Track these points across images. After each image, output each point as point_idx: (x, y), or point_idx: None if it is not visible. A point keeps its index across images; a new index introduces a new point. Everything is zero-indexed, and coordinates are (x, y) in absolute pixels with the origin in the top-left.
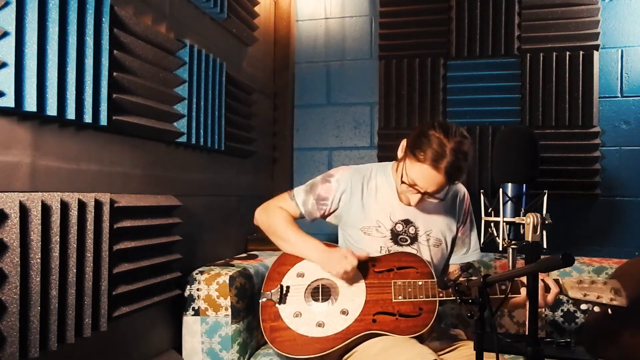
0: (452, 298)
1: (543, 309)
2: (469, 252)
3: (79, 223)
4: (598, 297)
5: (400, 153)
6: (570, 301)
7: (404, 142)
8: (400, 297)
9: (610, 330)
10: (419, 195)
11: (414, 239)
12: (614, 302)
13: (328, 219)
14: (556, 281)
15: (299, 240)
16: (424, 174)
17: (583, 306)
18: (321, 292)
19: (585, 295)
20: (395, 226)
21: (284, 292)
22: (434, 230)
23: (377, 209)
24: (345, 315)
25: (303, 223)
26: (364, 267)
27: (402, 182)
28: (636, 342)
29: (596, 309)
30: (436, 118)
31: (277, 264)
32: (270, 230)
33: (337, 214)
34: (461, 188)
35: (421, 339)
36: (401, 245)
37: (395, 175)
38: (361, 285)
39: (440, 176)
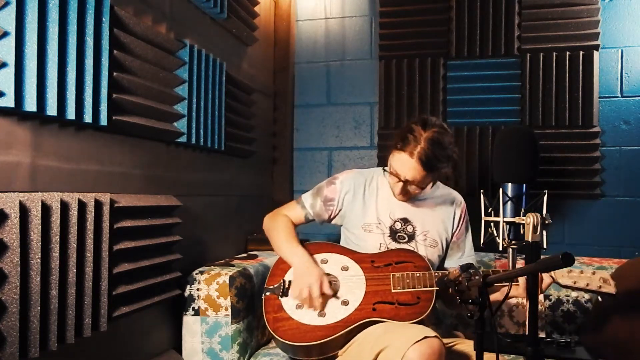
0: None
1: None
2: (464, 257)
3: (79, 223)
4: (587, 285)
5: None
6: (570, 301)
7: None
8: (399, 288)
9: (608, 328)
10: (400, 184)
11: (412, 237)
12: (602, 290)
13: (334, 221)
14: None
15: (285, 245)
16: (402, 162)
17: (574, 294)
18: None
19: (575, 282)
20: (394, 224)
21: (287, 286)
22: (431, 231)
23: (378, 206)
24: (346, 305)
25: (308, 227)
26: (364, 263)
27: (384, 171)
28: (634, 339)
29: (586, 296)
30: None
31: (280, 261)
32: (269, 234)
33: (341, 214)
34: (458, 196)
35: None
36: (399, 242)
37: None
38: (361, 279)
39: (414, 161)
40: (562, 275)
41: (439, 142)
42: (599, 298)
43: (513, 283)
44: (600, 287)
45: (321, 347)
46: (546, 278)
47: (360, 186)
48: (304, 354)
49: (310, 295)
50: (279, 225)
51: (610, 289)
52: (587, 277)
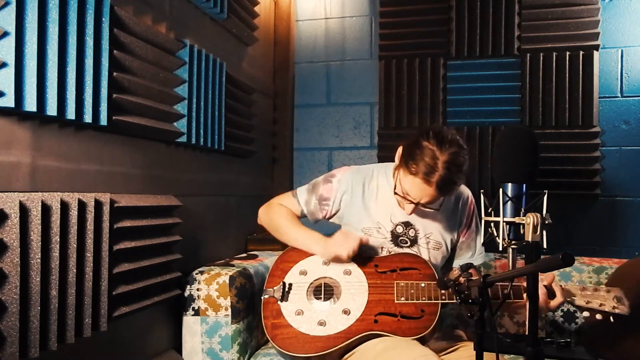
0: (454, 301)
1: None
2: (475, 256)
3: (79, 223)
4: (600, 305)
5: (396, 160)
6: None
7: (399, 150)
8: (402, 299)
9: (609, 332)
10: (412, 205)
11: (414, 241)
12: (616, 310)
13: (331, 221)
14: (560, 287)
15: (300, 232)
16: (416, 187)
17: (585, 313)
18: (323, 290)
19: (587, 302)
20: (395, 228)
21: (286, 289)
22: (434, 233)
23: (377, 210)
24: (347, 314)
25: (304, 221)
26: (367, 267)
27: (395, 193)
28: (635, 344)
29: (598, 316)
30: (436, 118)
31: (280, 261)
32: (272, 226)
33: (339, 215)
34: (465, 191)
35: (423, 341)
36: (401, 247)
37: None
38: (364, 285)
39: (431, 189)
40: (575, 294)
41: (457, 165)
42: (611, 319)
43: (520, 301)
44: (614, 307)
45: (320, 358)
46: (559, 297)
47: (359, 186)
48: None
49: (355, 244)
50: (281, 215)
51: (624, 309)
52: (601, 295)
